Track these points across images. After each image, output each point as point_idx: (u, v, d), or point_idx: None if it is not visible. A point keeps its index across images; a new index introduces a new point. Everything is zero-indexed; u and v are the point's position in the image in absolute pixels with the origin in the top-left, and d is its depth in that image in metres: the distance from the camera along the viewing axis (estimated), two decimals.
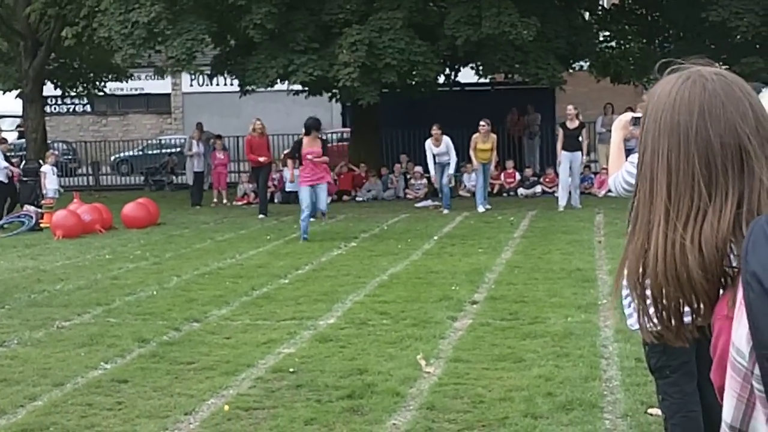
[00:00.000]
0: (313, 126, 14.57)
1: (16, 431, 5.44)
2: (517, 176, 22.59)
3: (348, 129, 27.37)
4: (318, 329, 8.06)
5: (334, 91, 22.82)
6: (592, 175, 21.84)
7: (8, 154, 19.19)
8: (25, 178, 20.05)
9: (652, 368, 4.35)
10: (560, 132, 18.59)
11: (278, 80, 21.70)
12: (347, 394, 5.98)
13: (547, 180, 22.19)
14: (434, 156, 18.53)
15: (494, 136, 19.15)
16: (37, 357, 7.31)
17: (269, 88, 22.65)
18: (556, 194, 19.36)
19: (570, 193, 18.31)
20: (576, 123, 18.39)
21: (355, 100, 21.46)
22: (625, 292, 4.35)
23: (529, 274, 10.47)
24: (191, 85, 41.51)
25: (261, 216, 18.90)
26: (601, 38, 24.98)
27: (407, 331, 7.78)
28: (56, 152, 26.23)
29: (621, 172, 4.41)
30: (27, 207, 18.45)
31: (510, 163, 22.79)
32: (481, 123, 18.69)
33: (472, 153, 18.76)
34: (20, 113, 30.30)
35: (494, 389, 6.04)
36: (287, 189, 22.74)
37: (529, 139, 25.52)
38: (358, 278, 10.65)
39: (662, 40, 25.35)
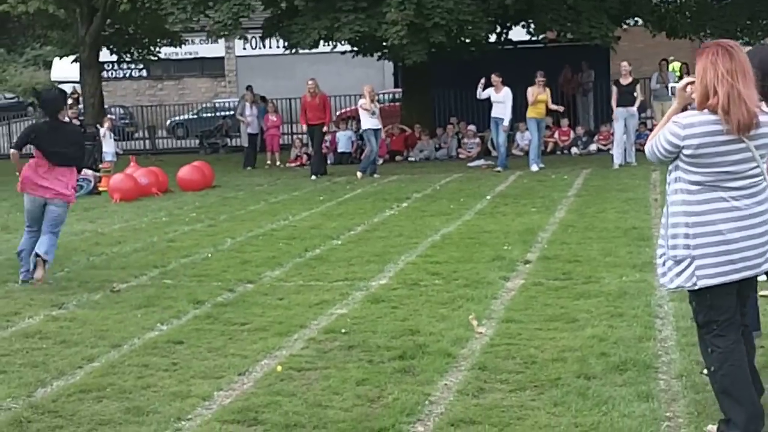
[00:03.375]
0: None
1: (75, 392, 5.54)
2: (572, 134, 22.36)
3: (400, 90, 27.26)
4: (370, 290, 8.08)
5: (383, 51, 22.70)
6: (648, 132, 21.51)
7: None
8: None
9: (699, 323, 4.44)
10: (614, 89, 18.36)
11: (321, 41, 21.63)
12: (399, 355, 5.99)
13: (601, 138, 21.92)
14: (492, 106, 18.54)
15: (548, 90, 19.10)
16: (95, 319, 7.44)
17: (319, 49, 22.59)
18: (611, 152, 19.14)
19: (625, 150, 18.11)
20: (630, 79, 18.15)
21: (404, 58, 21.33)
22: (660, 251, 4.45)
23: (583, 234, 10.37)
24: (244, 48, 41.63)
25: (313, 177, 19.00)
26: None
27: (459, 292, 7.77)
28: (113, 117, 26.54)
29: (663, 132, 4.36)
30: (85, 171, 18.66)
31: (564, 121, 22.56)
32: (539, 75, 18.61)
33: (531, 99, 18.65)
34: (78, 79, 30.65)
35: (547, 350, 6.00)
36: (340, 150, 22.82)
37: (583, 96, 25.18)
38: (410, 239, 10.64)
39: None
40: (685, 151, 4.25)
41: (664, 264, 4.42)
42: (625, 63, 18.42)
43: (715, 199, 4.25)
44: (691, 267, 4.28)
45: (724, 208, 4.24)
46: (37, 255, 8.79)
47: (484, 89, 18.67)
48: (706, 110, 4.24)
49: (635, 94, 18.24)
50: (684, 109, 4.41)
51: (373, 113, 18.93)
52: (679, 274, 4.32)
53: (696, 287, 4.29)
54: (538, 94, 18.57)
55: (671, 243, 4.36)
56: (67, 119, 9.85)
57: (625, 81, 18.16)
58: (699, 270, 4.26)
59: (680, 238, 4.31)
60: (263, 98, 24.57)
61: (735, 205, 4.24)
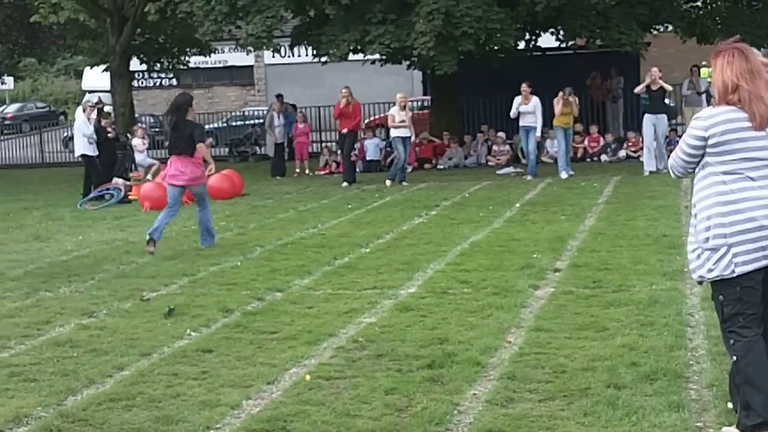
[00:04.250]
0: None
1: (105, 400, 5.57)
2: (601, 141, 22.24)
3: (429, 97, 27.24)
4: (399, 298, 8.07)
5: (412, 59, 22.70)
6: (678, 139, 21.34)
7: (110, 129, 19.39)
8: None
9: (726, 316, 4.54)
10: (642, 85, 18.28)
11: (352, 52, 21.68)
12: (428, 364, 5.98)
13: (630, 144, 21.79)
14: (520, 115, 18.52)
15: (575, 98, 19.09)
16: (125, 327, 7.48)
17: (347, 59, 22.63)
18: (640, 158, 19.03)
19: (656, 157, 18.00)
20: (659, 84, 18.04)
21: (434, 69, 21.33)
22: (691, 247, 4.56)
23: (613, 241, 10.30)
24: (273, 57, 41.59)
25: (345, 184, 19.02)
26: None
27: (488, 300, 7.74)
28: (144, 125, 26.71)
29: (685, 135, 4.63)
30: (116, 180, 18.85)
31: (594, 128, 22.45)
32: (565, 93, 18.67)
33: (557, 111, 18.69)
34: (108, 88, 30.93)
35: (576, 359, 5.96)
36: (368, 158, 22.83)
37: (613, 103, 25.05)
38: (439, 247, 10.62)
39: None
40: (711, 141, 4.47)
41: (699, 257, 4.54)
42: (655, 69, 18.32)
43: (747, 188, 4.45)
44: (728, 255, 4.43)
45: (756, 196, 4.44)
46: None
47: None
48: (724, 104, 4.51)
49: (666, 100, 18.15)
50: None
51: (403, 121, 18.98)
52: (716, 263, 4.46)
53: (734, 275, 4.42)
54: (563, 107, 18.62)
55: (704, 235, 4.49)
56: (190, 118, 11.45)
57: (654, 86, 18.05)
58: (736, 257, 4.41)
59: (716, 228, 4.45)
60: (293, 106, 24.61)
61: (765, 194, 4.44)
